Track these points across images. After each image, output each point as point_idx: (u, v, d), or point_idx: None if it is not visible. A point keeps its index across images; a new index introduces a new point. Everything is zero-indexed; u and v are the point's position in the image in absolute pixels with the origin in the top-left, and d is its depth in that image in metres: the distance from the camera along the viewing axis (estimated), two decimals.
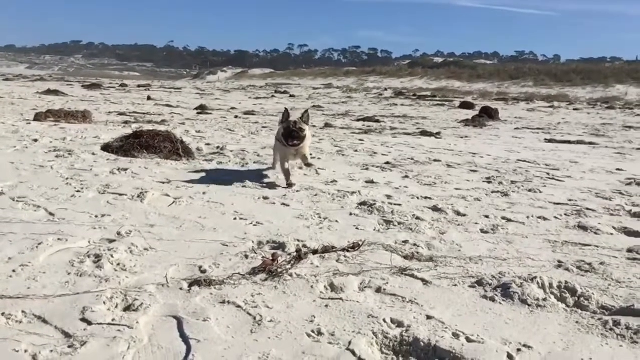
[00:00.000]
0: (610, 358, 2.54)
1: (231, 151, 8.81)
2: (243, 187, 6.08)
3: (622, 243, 4.48)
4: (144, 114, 16.27)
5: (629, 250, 4.26)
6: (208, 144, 9.56)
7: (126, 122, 13.10)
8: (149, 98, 25.78)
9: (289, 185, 6.19)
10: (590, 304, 3.15)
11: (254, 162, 7.90)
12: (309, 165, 6.61)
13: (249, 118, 16.87)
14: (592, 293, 3.25)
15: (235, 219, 4.74)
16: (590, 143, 13.22)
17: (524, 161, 9.44)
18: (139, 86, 44.16)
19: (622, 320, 2.89)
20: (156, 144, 7.87)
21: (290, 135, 6.23)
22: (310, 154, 7.04)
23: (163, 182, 6.14)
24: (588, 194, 6.53)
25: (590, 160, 10.02)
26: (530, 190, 6.61)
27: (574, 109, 29.68)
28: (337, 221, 4.82)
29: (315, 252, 3.87)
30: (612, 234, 4.75)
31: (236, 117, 17.11)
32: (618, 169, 8.78)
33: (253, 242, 4.10)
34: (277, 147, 6.71)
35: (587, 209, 5.68)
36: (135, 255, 3.68)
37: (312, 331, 2.68)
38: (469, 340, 2.64)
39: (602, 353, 2.59)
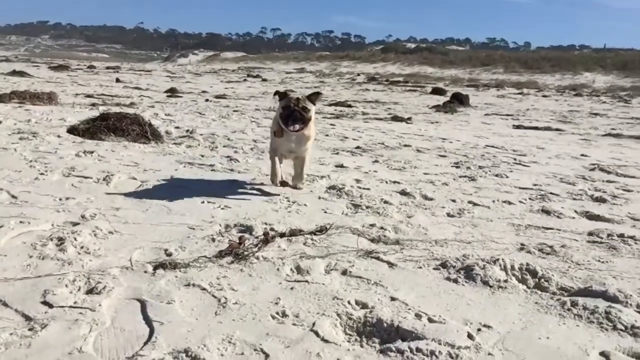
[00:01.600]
0: (567, 337, 2.61)
1: (201, 135, 8.73)
2: (212, 170, 6.04)
3: (584, 226, 4.58)
4: (112, 96, 15.99)
5: (590, 234, 4.37)
6: (177, 127, 9.45)
7: (93, 105, 12.86)
8: (117, 80, 25.34)
9: (279, 184, 5.20)
10: (550, 285, 3.23)
11: (224, 146, 7.85)
12: (298, 178, 5.31)
13: (220, 102, 16.71)
14: (552, 275, 3.32)
15: (203, 202, 4.72)
16: (557, 129, 13.45)
17: (492, 147, 9.57)
18: (107, 68, 43.34)
19: (580, 301, 2.97)
20: (124, 126, 7.76)
21: (290, 115, 4.88)
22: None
23: (130, 165, 6.06)
24: (553, 179, 6.66)
25: (556, 146, 10.21)
26: (497, 175, 6.71)
27: (543, 96, 30.11)
28: (305, 205, 4.82)
29: (282, 235, 3.87)
30: (574, 218, 4.86)
31: (207, 100, 16.94)
32: (583, 155, 8.96)
33: (220, 225, 4.08)
34: (271, 130, 5.24)
35: (551, 193, 5.80)
36: (99, 239, 3.63)
37: (277, 313, 2.69)
38: (430, 320, 2.68)
39: (559, 332, 2.66)
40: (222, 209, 4.54)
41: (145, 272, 3.13)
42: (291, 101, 4.93)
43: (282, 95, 5.10)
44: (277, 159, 5.13)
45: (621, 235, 4.27)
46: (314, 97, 5.11)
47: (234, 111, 13.60)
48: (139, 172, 5.71)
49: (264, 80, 36.28)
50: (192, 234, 3.83)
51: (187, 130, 9.08)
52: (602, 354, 2.47)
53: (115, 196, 4.73)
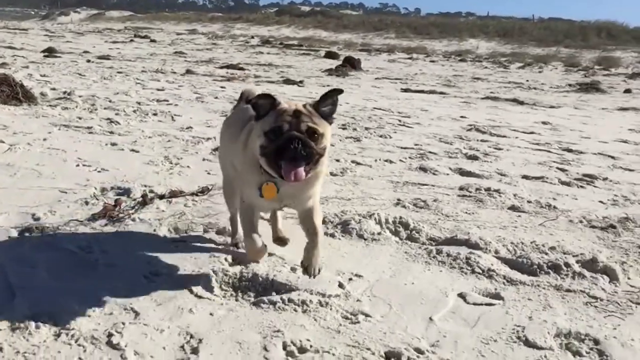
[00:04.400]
0: (430, 282, 2.80)
1: (80, 97, 8.26)
2: (89, 133, 5.76)
3: (456, 182, 4.87)
4: None
5: (460, 188, 4.65)
6: (54, 89, 8.88)
7: None
8: None
9: (266, 252, 2.86)
10: (421, 236, 3.42)
11: (105, 108, 7.48)
12: (310, 256, 2.67)
13: (103, 63, 15.84)
14: (422, 226, 3.52)
15: (77, 165, 4.50)
16: (442, 93, 14.04)
17: (380, 109, 9.84)
18: None
19: (445, 249, 3.18)
20: None
21: (287, 150, 2.43)
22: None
23: None
24: (432, 139, 6.98)
25: (439, 108, 10.67)
26: (381, 136, 6.93)
27: (431, 61, 31.23)
28: (188, 167, 4.74)
29: (162, 197, 3.80)
30: (448, 174, 5.15)
31: (89, 61, 16.00)
32: (462, 117, 9.45)
33: (96, 188, 3.93)
34: (244, 178, 2.73)
35: (430, 152, 6.09)
36: None
37: (150, 273, 2.66)
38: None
39: (423, 278, 2.84)
40: (99, 171, 4.37)
41: (10, 237, 2.96)
42: (287, 119, 2.44)
43: (264, 102, 2.54)
44: (253, 218, 2.77)
45: (488, 189, 4.58)
46: (329, 103, 2.55)
47: (118, 73, 12.96)
48: (8, 136, 5.33)
49: (153, 41, 34.72)
50: (64, 198, 3.66)
51: (65, 92, 8.55)
52: (459, 295, 2.67)
53: None
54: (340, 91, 2.56)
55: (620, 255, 3.27)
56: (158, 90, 10.02)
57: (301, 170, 2.40)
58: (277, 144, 2.41)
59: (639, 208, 4.35)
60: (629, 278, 2.97)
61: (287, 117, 2.44)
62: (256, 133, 2.51)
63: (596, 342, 2.31)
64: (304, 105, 2.52)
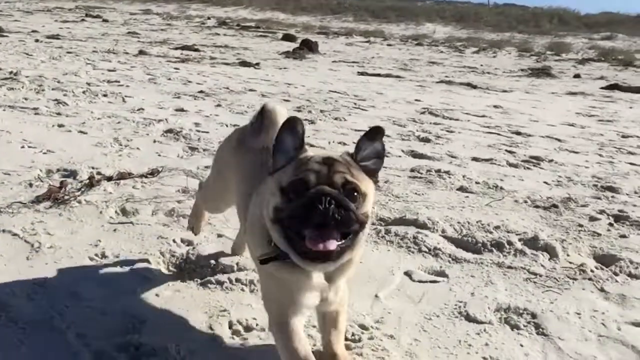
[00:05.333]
0: (378, 261, 2.85)
1: (27, 77, 7.98)
2: (36, 114, 5.59)
3: (408, 164, 4.94)
4: None
5: (412, 170, 4.72)
6: None
7: None
8: None
9: None
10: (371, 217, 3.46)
11: (52, 89, 7.25)
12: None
13: (52, 42, 15.32)
14: (373, 207, 3.56)
15: (23, 147, 4.38)
16: (397, 76, 14.15)
17: (335, 92, 9.84)
18: None
19: (393, 229, 3.23)
20: None
21: (311, 213, 1.59)
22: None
23: None
24: (387, 122, 7.04)
25: (394, 91, 10.76)
26: (336, 119, 6.95)
27: (388, 45, 31.36)
28: (138, 148, 4.67)
29: (109, 178, 3.73)
30: (400, 156, 5.22)
31: (37, 40, 15.44)
32: (416, 100, 9.55)
33: (41, 170, 3.83)
34: (265, 271, 1.83)
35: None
36: None
37: (96, 254, 2.62)
38: None
39: (372, 257, 2.89)
40: (44, 153, 4.25)
41: None
42: (314, 168, 1.70)
43: (293, 132, 1.80)
44: (293, 319, 1.82)
45: (438, 171, 4.67)
46: (372, 154, 1.86)
47: (68, 53, 12.57)
48: None
49: (105, 21, 33.70)
50: (7, 180, 3.57)
51: (11, 72, 8.24)
52: (406, 273, 2.73)
53: None
54: (383, 132, 1.81)
55: (561, 234, 3.39)
56: (109, 71, 9.77)
57: (333, 242, 1.57)
58: (299, 204, 1.60)
59: (581, 188, 4.51)
60: (568, 255, 3.09)
61: (315, 166, 1.66)
62: (269, 190, 1.71)
63: (534, 315, 2.40)
64: (343, 155, 1.79)
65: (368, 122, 6.92)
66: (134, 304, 2.24)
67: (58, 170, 3.87)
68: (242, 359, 1.95)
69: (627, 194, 4.41)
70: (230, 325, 2.15)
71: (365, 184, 1.73)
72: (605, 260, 3.05)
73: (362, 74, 14.21)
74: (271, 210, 1.66)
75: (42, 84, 7.55)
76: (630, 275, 2.88)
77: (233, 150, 2.24)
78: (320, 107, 7.84)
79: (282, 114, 2.15)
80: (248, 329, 2.14)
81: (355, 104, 8.49)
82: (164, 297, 2.32)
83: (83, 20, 32.39)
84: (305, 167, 1.66)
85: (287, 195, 1.64)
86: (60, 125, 5.19)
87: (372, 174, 1.80)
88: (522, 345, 2.18)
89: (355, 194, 1.66)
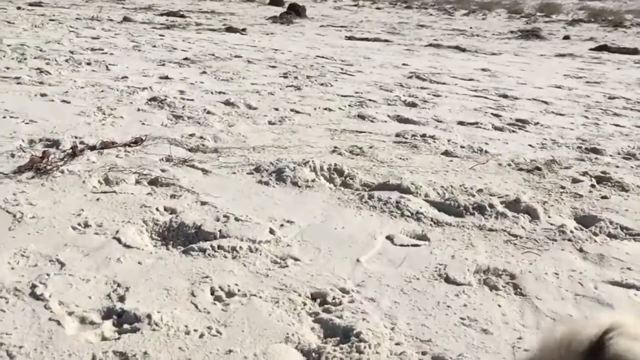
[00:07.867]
0: (360, 225, 2.87)
1: (8, 45, 7.85)
2: (18, 83, 5.52)
3: (393, 129, 4.94)
4: None
5: (397, 135, 4.72)
6: None
7: None
8: None
9: None
10: (354, 182, 3.48)
11: (35, 58, 7.15)
12: None
13: (34, 10, 15.02)
14: (357, 173, 3.57)
15: (4, 117, 4.33)
16: (386, 40, 14.01)
17: (322, 57, 9.76)
18: None
19: (376, 194, 3.25)
20: None
21: None
22: None
23: None
24: (373, 87, 7.01)
25: (382, 56, 10.67)
26: (322, 84, 6.90)
27: (377, 8, 30.98)
28: (122, 117, 4.63)
29: (92, 148, 3.71)
30: (385, 122, 5.21)
31: (19, 8, 15.14)
32: (404, 64, 9.49)
33: (23, 140, 3.80)
34: None
35: (370, 100, 6.12)
36: None
37: (78, 224, 2.62)
38: (237, 219, 2.78)
39: (354, 222, 2.91)
40: (27, 123, 4.21)
41: None
42: None
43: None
44: None
45: (423, 135, 4.67)
46: None
47: (51, 20, 12.34)
48: None
49: None
50: None
51: None
52: (387, 237, 2.75)
53: None
54: None
55: (543, 196, 3.43)
56: (93, 38, 9.62)
57: None
58: None
59: (565, 151, 4.54)
60: (549, 217, 3.12)
61: None
62: None
63: (512, 276, 2.44)
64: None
65: (355, 87, 6.90)
66: (117, 272, 2.25)
67: (40, 140, 3.84)
68: (223, 323, 1.97)
69: (611, 155, 4.45)
70: (212, 291, 2.17)
71: None
72: (586, 221, 3.09)
73: (349, 38, 14.08)
74: None
75: (24, 53, 7.44)
76: (609, 235, 2.92)
77: None
78: (307, 72, 7.78)
79: None
80: (230, 294, 2.16)
81: (342, 69, 8.43)
82: (146, 264, 2.33)
83: None
84: None
85: None
86: (42, 95, 5.13)
87: None
88: (499, 306, 2.22)
89: None
